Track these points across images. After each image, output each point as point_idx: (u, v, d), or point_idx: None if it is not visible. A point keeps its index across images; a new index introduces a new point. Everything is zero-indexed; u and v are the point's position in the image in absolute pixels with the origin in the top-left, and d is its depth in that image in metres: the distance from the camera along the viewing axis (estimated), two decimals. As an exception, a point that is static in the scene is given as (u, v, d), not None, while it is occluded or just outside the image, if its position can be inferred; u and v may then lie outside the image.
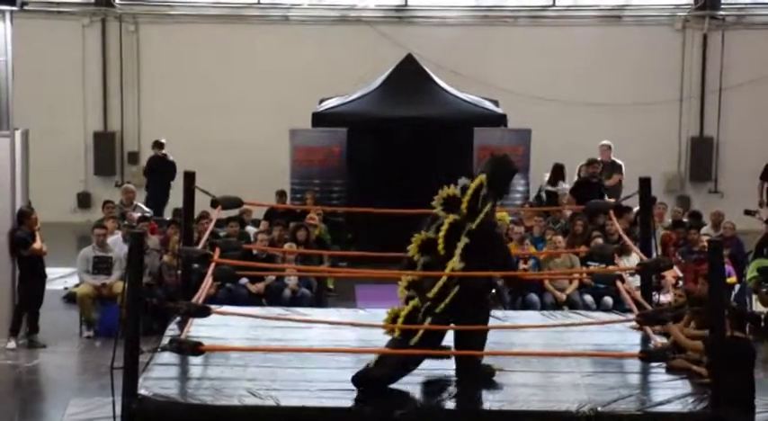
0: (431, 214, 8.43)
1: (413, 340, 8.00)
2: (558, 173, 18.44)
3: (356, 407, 7.67)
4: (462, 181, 8.38)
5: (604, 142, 18.70)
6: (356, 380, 7.96)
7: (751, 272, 14.49)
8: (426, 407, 7.65)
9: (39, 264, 13.58)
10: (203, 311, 8.36)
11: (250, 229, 16.03)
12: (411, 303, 8.18)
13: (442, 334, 8.25)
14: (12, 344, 13.21)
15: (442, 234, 8.17)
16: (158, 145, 19.70)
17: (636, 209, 12.37)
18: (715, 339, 7.62)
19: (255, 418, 7.71)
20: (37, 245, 13.41)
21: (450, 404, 7.76)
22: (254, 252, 13.94)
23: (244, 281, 14.14)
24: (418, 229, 8.39)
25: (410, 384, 8.09)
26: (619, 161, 18.51)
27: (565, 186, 18.06)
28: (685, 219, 16.41)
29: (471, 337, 8.25)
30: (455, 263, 8.06)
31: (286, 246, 14.62)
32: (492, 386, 8.23)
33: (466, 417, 7.74)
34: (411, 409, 7.59)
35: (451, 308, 8.05)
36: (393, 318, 8.26)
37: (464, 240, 8.09)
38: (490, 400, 7.86)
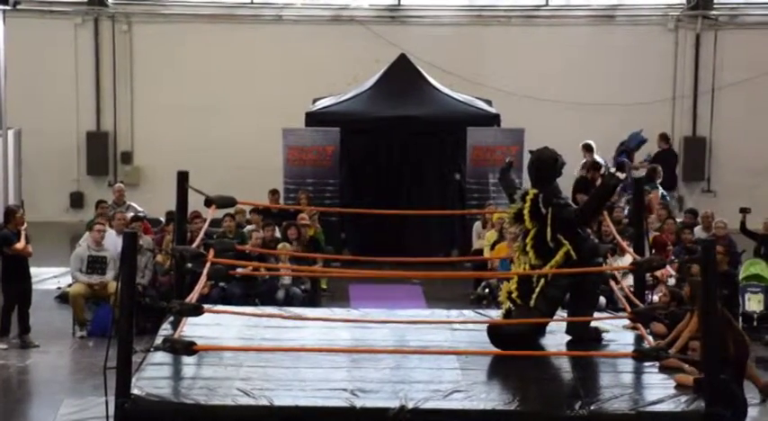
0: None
1: (532, 302, 8.93)
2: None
3: (349, 406, 7.67)
4: (519, 192, 9.32)
5: (586, 142, 18.85)
6: (491, 333, 8.92)
7: (745, 271, 14.51)
8: (419, 406, 7.64)
9: (23, 263, 13.46)
10: (196, 310, 8.36)
11: (248, 228, 15.96)
12: (514, 279, 9.15)
13: (557, 293, 9.04)
14: (3, 345, 13.17)
15: (531, 258, 9.05)
16: None
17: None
18: (708, 339, 7.63)
19: (249, 418, 7.70)
20: (20, 244, 13.28)
21: (445, 403, 7.75)
22: (247, 251, 13.89)
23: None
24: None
25: (403, 383, 8.10)
26: (600, 159, 18.62)
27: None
28: (679, 219, 16.41)
29: (584, 294, 9.18)
30: (572, 253, 8.96)
31: (280, 246, 14.60)
32: (487, 385, 8.24)
33: (461, 417, 7.73)
34: (405, 409, 7.58)
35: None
36: (509, 293, 9.13)
37: (565, 246, 8.94)
38: (484, 400, 7.86)
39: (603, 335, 9.29)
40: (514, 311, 9.07)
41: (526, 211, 9.09)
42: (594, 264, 9.26)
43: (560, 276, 8.96)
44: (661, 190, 17.76)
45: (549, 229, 8.97)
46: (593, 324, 9.31)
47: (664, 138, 20.58)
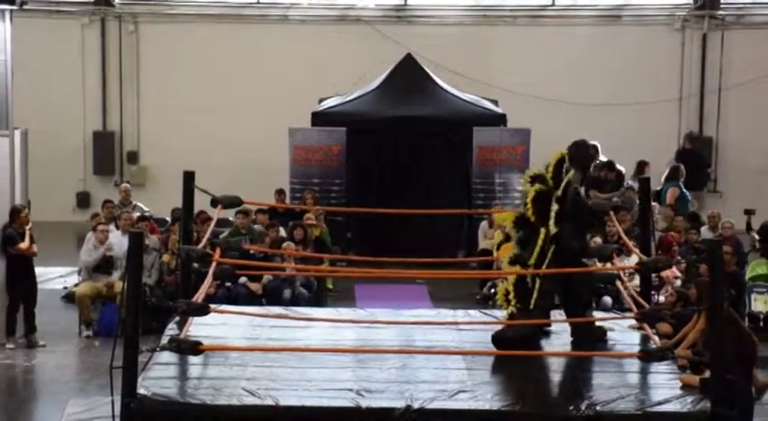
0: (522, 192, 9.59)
1: (531, 304, 8.87)
2: (641, 169, 18.55)
3: (355, 406, 7.66)
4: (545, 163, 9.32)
5: (592, 142, 18.83)
6: (494, 339, 8.84)
7: (751, 271, 14.50)
8: (425, 406, 7.63)
9: (28, 263, 13.43)
10: (202, 310, 8.36)
11: (258, 227, 15.93)
12: (511, 279, 9.06)
13: (550, 285, 8.98)
14: (10, 344, 13.17)
15: (529, 198, 9.08)
16: None
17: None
18: (714, 338, 7.61)
19: (254, 418, 7.69)
20: (24, 244, 13.25)
21: (450, 403, 7.74)
22: (251, 251, 13.87)
23: (243, 280, 14.14)
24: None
25: (409, 383, 8.10)
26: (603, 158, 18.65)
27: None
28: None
29: (573, 294, 9.20)
30: (551, 226, 8.88)
31: (284, 246, 14.59)
32: (493, 386, 8.23)
33: (467, 417, 7.73)
34: (411, 409, 7.58)
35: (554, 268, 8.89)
36: (506, 294, 9.07)
37: (555, 206, 8.90)
38: (490, 400, 7.86)
39: (608, 333, 9.28)
40: (516, 315, 9.06)
41: (552, 161, 9.14)
42: (581, 264, 9.23)
43: (550, 267, 8.92)
44: (683, 189, 17.73)
45: (560, 190, 8.96)
46: (597, 323, 9.31)
47: (691, 137, 20.56)
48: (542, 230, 8.96)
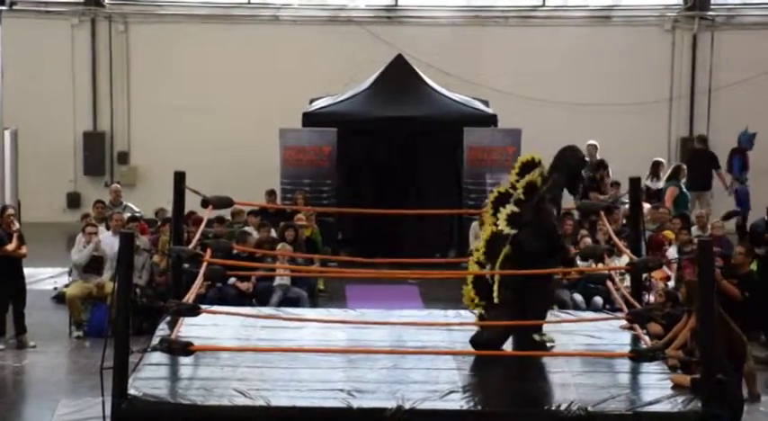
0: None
1: (495, 299, 8.76)
2: (656, 169, 18.56)
3: (346, 406, 7.67)
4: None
5: (591, 142, 18.87)
6: (472, 342, 8.79)
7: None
8: (416, 407, 7.63)
9: (17, 263, 13.35)
10: (193, 311, 8.36)
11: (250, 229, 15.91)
12: (470, 281, 8.96)
13: (515, 291, 8.78)
14: (0, 345, 13.14)
15: (489, 200, 9.07)
16: None
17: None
18: (705, 338, 7.63)
19: (245, 418, 7.69)
20: (11, 246, 13.18)
21: (440, 404, 7.75)
22: (235, 251, 13.82)
23: (233, 280, 14.11)
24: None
25: (400, 383, 8.10)
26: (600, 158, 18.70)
27: (659, 184, 18.29)
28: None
29: (534, 299, 8.91)
30: (502, 224, 8.84)
31: (279, 247, 14.58)
32: (482, 386, 8.24)
33: (458, 417, 7.73)
34: (402, 409, 7.58)
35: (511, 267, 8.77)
36: (472, 299, 9.01)
37: (510, 207, 8.84)
38: (480, 400, 7.86)
39: (548, 344, 9.04)
40: (486, 315, 8.96)
41: (518, 163, 9.01)
42: (544, 263, 9.04)
43: (507, 259, 8.80)
44: (682, 189, 17.75)
45: (521, 190, 8.85)
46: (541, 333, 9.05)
47: (701, 139, 20.53)
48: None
